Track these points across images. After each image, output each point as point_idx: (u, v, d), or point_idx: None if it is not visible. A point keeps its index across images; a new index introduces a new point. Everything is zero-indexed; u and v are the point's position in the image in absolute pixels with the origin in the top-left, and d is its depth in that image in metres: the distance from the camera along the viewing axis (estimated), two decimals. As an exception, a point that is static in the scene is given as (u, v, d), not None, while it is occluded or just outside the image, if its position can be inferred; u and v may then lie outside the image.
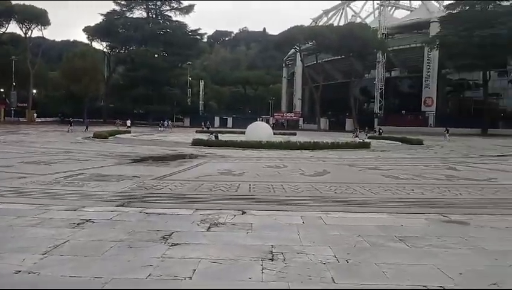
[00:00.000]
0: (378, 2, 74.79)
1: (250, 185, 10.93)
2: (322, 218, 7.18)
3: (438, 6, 69.36)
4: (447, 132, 40.83)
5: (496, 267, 4.85)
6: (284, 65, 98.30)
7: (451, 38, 54.36)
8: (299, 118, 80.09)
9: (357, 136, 35.62)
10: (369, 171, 14.59)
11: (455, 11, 57.80)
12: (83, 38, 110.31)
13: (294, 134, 43.04)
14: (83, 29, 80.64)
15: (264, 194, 9.69)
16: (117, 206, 7.98)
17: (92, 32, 79.63)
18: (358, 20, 79.84)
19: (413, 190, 10.53)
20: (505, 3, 54.74)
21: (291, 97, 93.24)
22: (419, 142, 31.14)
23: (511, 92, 63.26)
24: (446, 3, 62.68)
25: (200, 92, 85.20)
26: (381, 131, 46.03)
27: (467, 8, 56.30)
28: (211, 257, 4.95)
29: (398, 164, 17.49)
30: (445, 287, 4.18)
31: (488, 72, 58.01)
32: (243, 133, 32.36)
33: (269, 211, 7.79)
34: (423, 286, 4.19)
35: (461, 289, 4.20)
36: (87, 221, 6.63)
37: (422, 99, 65.43)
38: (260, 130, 31.02)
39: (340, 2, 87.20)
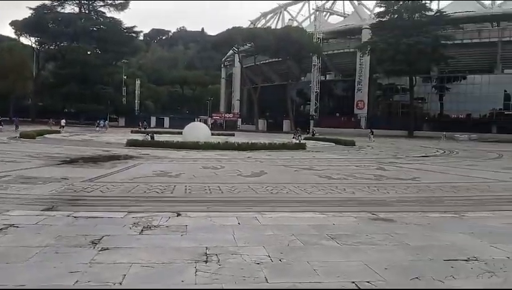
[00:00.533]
0: (314, 7, 77.09)
1: (186, 186, 10.81)
2: (257, 218, 7.24)
3: (369, 13, 72.64)
4: (372, 133, 43.11)
5: (418, 261, 5.14)
6: (222, 66, 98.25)
7: (381, 45, 57.16)
8: (237, 119, 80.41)
9: (295, 137, 36.44)
10: (304, 172, 14.96)
11: (385, 19, 60.82)
12: (9, 32, 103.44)
13: (233, 135, 43.17)
14: (9, 23, 75.87)
15: (200, 196, 9.63)
16: (43, 210, 7.55)
17: (20, 26, 74.95)
18: (295, 24, 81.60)
19: (344, 189, 10.94)
20: (429, 13, 58.42)
21: (229, 98, 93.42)
22: (352, 144, 32.44)
23: (434, 96, 67.57)
24: (377, 11, 65.89)
25: (136, 91, 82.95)
26: (314, 132, 47.35)
27: (396, 16, 59.44)
28: (142, 261, 4.82)
29: (331, 165, 18.09)
30: (372, 282, 4.37)
31: (414, 78, 61.58)
32: (180, 133, 31.91)
33: (205, 212, 7.74)
34: (351, 282, 4.36)
35: (385, 288, 4.42)
36: (10, 226, 6.21)
37: (355, 102, 68.21)
38: (198, 130, 30.76)
39: (277, 5, 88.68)
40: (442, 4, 64.44)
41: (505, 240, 6.22)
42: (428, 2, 59.66)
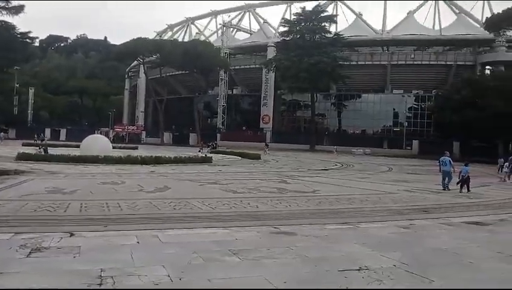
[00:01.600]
0: (221, 22, 78.15)
1: (82, 204, 10.14)
2: (158, 236, 7.01)
3: (274, 32, 75.40)
4: (267, 146, 44.87)
5: (315, 273, 5.32)
6: (126, 76, 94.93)
7: (285, 63, 59.52)
8: (141, 132, 77.93)
9: (201, 151, 36.22)
10: (209, 186, 14.89)
11: (288, 39, 63.51)
12: None
13: (136, 148, 41.69)
14: None
15: (97, 214, 9.08)
16: None
17: None
18: (202, 38, 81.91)
19: (249, 203, 11.06)
20: (328, 35, 62.26)
21: (133, 110, 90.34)
22: (257, 157, 33.09)
23: (333, 113, 71.83)
24: (281, 30, 68.50)
25: (30, 101, 76.70)
26: (215, 145, 47.44)
27: (298, 36, 62.39)
28: (30, 286, 4.38)
29: (236, 178, 18.24)
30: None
31: (315, 95, 64.92)
32: (78, 147, 30.04)
33: (101, 231, 7.30)
34: (251, 298, 4.36)
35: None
36: None
37: (261, 117, 69.97)
38: (97, 143, 29.18)
39: (185, 18, 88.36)
40: (340, 27, 69.18)
41: (393, 249, 6.71)
42: (328, 24, 63.45)
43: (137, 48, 66.64)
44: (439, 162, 17.96)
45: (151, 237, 7.00)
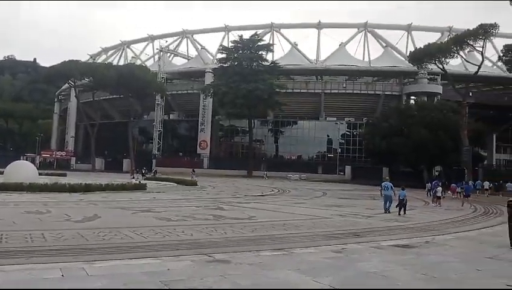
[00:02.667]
0: (158, 47, 77.57)
1: (2, 234, 9.37)
2: (85, 269, 6.60)
3: (212, 58, 76.02)
4: (194, 172, 45.15)
5: (248, 302, 5.25)
6: (56, 100, 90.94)
7: (222, 89, 60.03)
8: (71, 157, 74.46)
9: (134, 177, 35.08)
10: (142, 214, 14.39)
11: (226, 65, 64.34)
12: None
13: (65, 175, 39.64)
14: None
15: (19, 245, 8.42)
16: None
17: None
18: (139, 62, 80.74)
19: (183, 232, 10.79)
20: (265, 63, 63.84)
21: (63, 134, 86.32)
22: (194, 184, 32.67)
23: (270, 139, 73.10)
24: (219, 56, 69.23)
25: None
26: (144, 171, 46.27)
27: (236, 63, 63.40)
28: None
29: (171, 206, 17.82)
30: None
31: (252, 121, 65.87)
32: (2, 173, 28.08)
33: (24, 264, 6.77)
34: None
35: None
36: None
37: (198, 143, 69.54)
38: (22, 170, 27.46)
39: (120, 42, 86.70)
40: (277, 56, 71.24)
41: (325, 273, 6.81)
42: (265, 53, 65.18)
43: (68, 70, 64.31)
44: (381, 187, 18.99)
45: (78, 269, 6.58)
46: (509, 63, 47.72)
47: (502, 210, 21.46)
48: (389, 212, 17.28)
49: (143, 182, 29.71)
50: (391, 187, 18.04)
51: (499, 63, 59.59)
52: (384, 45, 75.42)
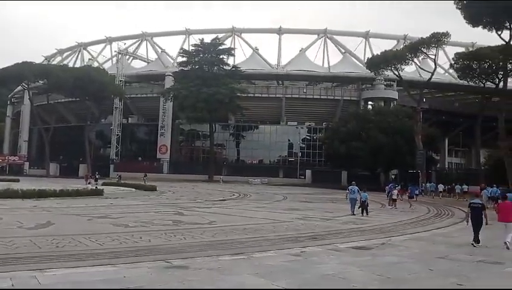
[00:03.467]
0: (116, 49, 75.91)
1: None
2: (37, 278, 6.35)
3: (172, 62, 75.10)
4: (146, 176, 43.79)
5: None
6: (8, 103, 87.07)
7: (183, 92, 59.38)
8: (24, 162, 71.49)
9: (90, 183, 33.98)
10: (98, 221, 14.00)
11: (187, 69, 63.76)
12: None
13: (17, 180, 37.99)
14: None
15: (-37, 256, 7.97)
16: None
17: None
18: (96, 64, 78.56)
19: (141, 238, 10.57)
20: (227, 67, 63.77)
21: (16, 138, 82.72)
22: (153, 189, 32.07)
23: (232, 143, 72.87)
24: (180, 60, 68.50)
25: None
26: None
27: (197, 67, 62.97)
28: None
29: (129, 211, 17.43)
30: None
31: (214, 125, 65.52)
32: None
33: (-34, 276, 6.41)
34: None
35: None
36: None
37: (158, 147, 68.43)
38: (-30, 176, 26.08)
39: (76, 43, 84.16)
40: (238, 60, 71.28)
41: (284, 277, 6.85)
42: (226, 57, 65.09)
43: (22, 72, 61.70)
44: (347, 190, 20.08)
45: (29, 278, 6.33)
46: (460, 71, 49.92)
47: (453, 211, 22.44)
48: (354, 214, 18.23)
49: (100, 187, 28.87)
50: (357, 191, 19.09)
51: (451, 70, 62.23)
52: (343, 51, 77.11)
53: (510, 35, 36.52)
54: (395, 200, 24.05)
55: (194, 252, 9.07)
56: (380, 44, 70.18)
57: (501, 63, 41.94)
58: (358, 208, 18.51)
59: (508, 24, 35.59)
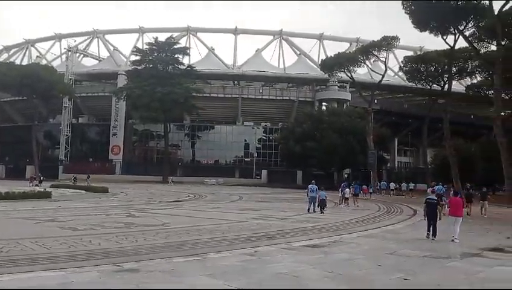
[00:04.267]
0: (66, 47, 73.12)
1: None
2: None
3: (125, 60, 73.25)
4: (89, 177, 43.44)
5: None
6: None
7: (136, 92, 58.06)
8: (-35, 165, 67.49)
9: (38, 185, 32.59)
10: (46, 224, 13.44)
11: (140, 67, 62.45)
12: None
13: (-43, 183, 35.83)
14: None
15: None
16: None
17: None
18: (44, 62, 75.34)
19: (90, 241, 10.23)
20: (182, 67, 62.97)
21: (-44, 139, 77.94)
22: (105, 191, 31.18)
23: (186, 143, 72.07)
24: (133, 58, 66.97)
25: None
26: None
27: (151, 66, 61.82)
28: None
29: (79, 214, 16.83)
30: None
31: (168, 125, 64.55)
32: None
33: None
34: None
35: None
36: None
37: (110, 148, 66.59)
38: None
39: (23, 40, 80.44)
40: (194, 60, 70.49)
41: (237, 277, 6.84)
42: (181, 56, 64.26)
43: (-38, 69, 58.15)
44: (307, 189, 20.70)
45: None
46: (409, 73, 51.98)
47: (402, 209, 23.33)
48: (314, 211, 19.21)
49: (48, 189, 27.73)
50: (316, 189, 19.96)
51: (400, 73, 64.66)
52: (298, 52, 78.16)
53: (454, 40, 38.32)
54: (347, 199, 24.71)
55: (146, 254, 8.89)
56: (334, 46, 71.95)
57: (446, 67, 44.08)
58: (318, 206, 19.36)
59: (452, 29, 37.28)
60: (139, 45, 69.56)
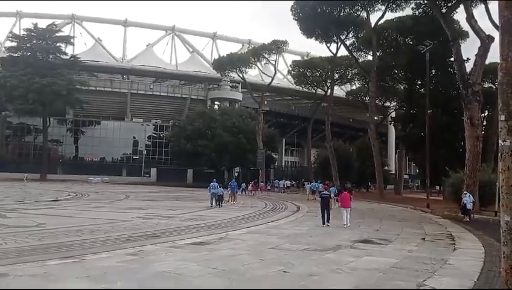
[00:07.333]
0: None
1: None
2: None
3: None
4: None
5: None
6: None
7: (11, 81, 52.63)
8: None
9: None
10: None
11: (16, 55, 56.94)
12: None
13: None
14: None
15: None
16: None
17: None
18: None
19: None
20: (64, 57, 58.51)
21: None
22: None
23: (69, 139, 67.20)
24: (8, 45, 60.75)
25: None
26: None
27: (29, 54, 56.65)
28: None
29: None
30: None
31: (48, 119, 59.68)
32: None
33: None
34: None
35: None
36: None
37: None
38: None
39: None
40: (78, 50, 66.02)
41: (116, 278, 6.59)
42: (64, 45, 59.81)
43: None
44: (209, 186, 22.55)
45: None
46: (296, 77, 54.80)
47: (287, 205, 24.53)
48: (218, 205, 21.66)
49: None
50: (217, 186, 22.08)
51: (289, 76, 67.80)
52: (191, 50, 77.75)
53: (337, 48, 41.36)
54: (235, 197, 25.38)
55: (15, 257, 8.13)
56: (227, 46, 72.90)
57: (329, 73, 47.38)
58: (216, 201, 21.75)
59: (335, 38, 40.15)
60: (16, 31, 63.35)
